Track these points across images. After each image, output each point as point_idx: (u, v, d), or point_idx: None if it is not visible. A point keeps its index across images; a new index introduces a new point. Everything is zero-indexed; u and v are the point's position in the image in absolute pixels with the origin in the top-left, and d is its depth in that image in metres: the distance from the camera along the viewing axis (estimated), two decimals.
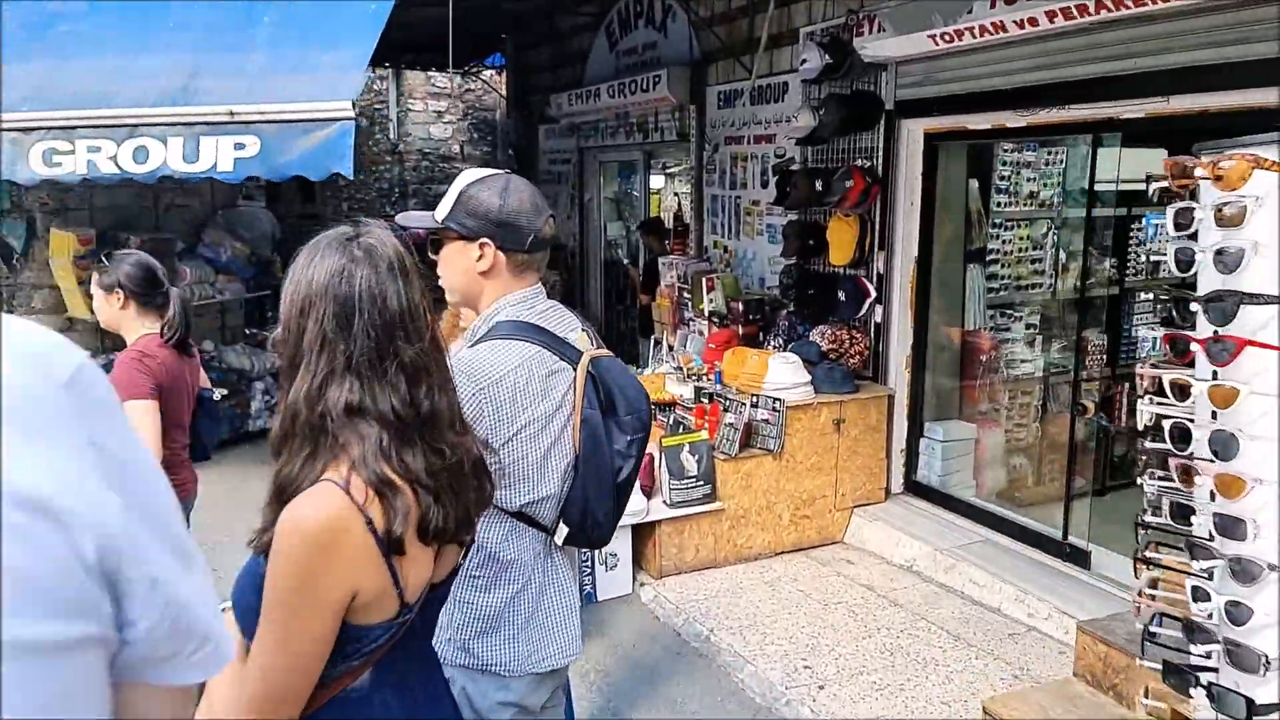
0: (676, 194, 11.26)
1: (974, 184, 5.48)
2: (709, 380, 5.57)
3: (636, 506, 4.76)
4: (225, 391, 8.07)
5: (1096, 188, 4.72)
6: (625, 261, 9.38)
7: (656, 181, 9.88)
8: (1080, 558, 4.52)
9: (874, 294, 5.43)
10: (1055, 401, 5.42)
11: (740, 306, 6.14)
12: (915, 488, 5.47)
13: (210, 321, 8.50)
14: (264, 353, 8.72)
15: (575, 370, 1.90)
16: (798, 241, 5.88)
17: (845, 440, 5.23)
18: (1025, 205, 5.69)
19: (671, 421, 5.37)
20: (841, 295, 5.49)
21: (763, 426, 5.07)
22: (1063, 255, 5.78)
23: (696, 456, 4.94)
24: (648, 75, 7.40)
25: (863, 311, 5.45)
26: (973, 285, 5.49)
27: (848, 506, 5.31)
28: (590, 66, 9.03)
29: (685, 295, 6.82)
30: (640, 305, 8.28)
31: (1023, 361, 5.64)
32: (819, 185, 5.59)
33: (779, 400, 5.01)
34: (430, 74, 14.83)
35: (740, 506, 5.01)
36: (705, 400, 5.37)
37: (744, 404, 5.05)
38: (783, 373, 5.14)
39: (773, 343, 5.95)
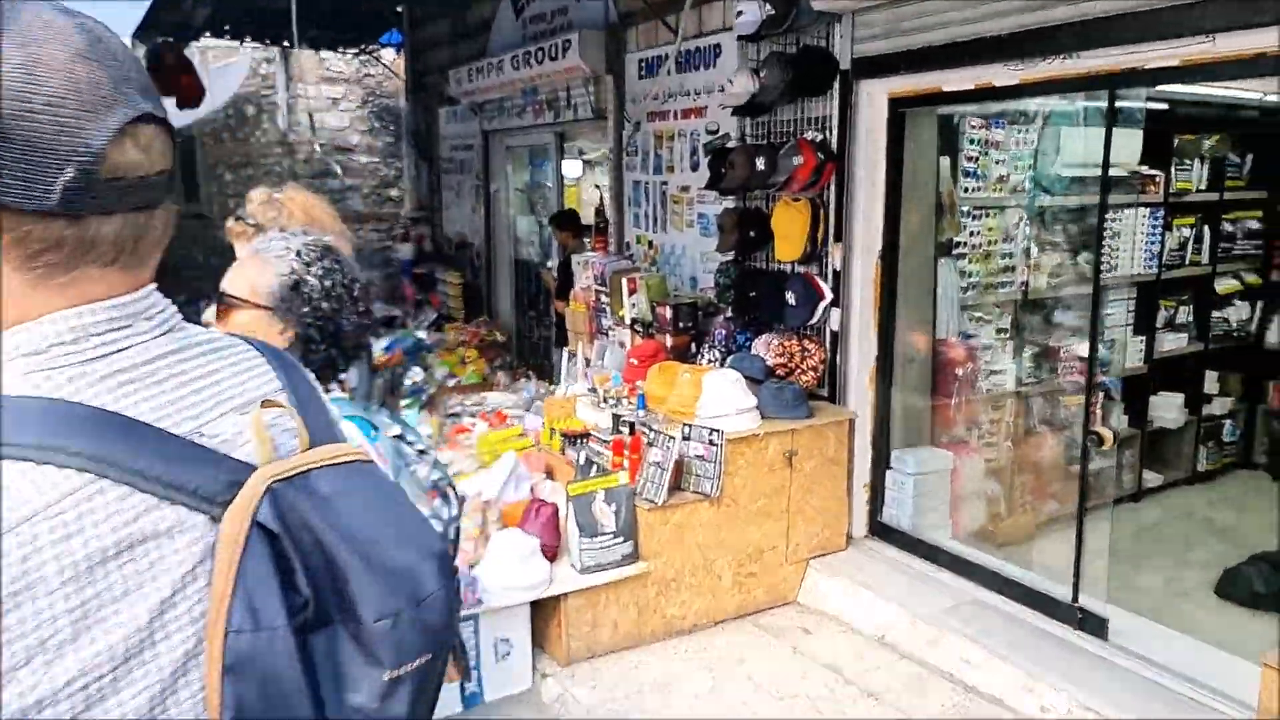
0: (598, 185, 10.18)
1: (944, 162, 4.53)
2: (629, 405, 4.51)
3: (536, 578, 3.66)
4: None
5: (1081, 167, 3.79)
6: (537, 261, 8.26)
7: (572, 169, 8.77)
8: (1096, 625, 3.59)
9: (829, 295, 4.44)
10: (1051, 422, 4.51)
11: (668, 312, 5.10)
12: (882, 531, 4.49)
13: None
14: None
15: (218, 522, 0.79)
16: (736, 233, 4.86)
17: (799, 477, 4.22)
18: (996, 190, 4.78)
19: (582, 460, 4.29)
20: (791, 298, 4.48)
21: (696, 464, 4.03)
22: (1041, 249, 4.90)
23: (614, 506, 3.87)
24: (557, 41, 6.31)
25: (816, 317, 4.46)
26: (945, 283, 4.54)
27: (802, 558, 4.30)
28: (494, 37, 7.89)
29: (603, 299, 5.75)
30: (556, 312, 7.17)
31: (1004, 373, 4.72)
32: (761, 164, 4.58)
33: (717, 431, 3.97)
34: (324, 56, 13.45)
35: (670, 567, 3.95)
36: (625, 431, 4.30)
37: (673, 436, 4.00)
38: (721, 395, 4.10)
39: (708, 356, 4.91)
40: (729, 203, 5.13)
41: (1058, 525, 4.20)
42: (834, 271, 4.44)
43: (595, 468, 4.16)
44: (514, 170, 8.51)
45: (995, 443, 4.65)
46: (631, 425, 4.31)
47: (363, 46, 11.79)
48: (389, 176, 14.62)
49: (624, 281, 5.42)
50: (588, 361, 5.93)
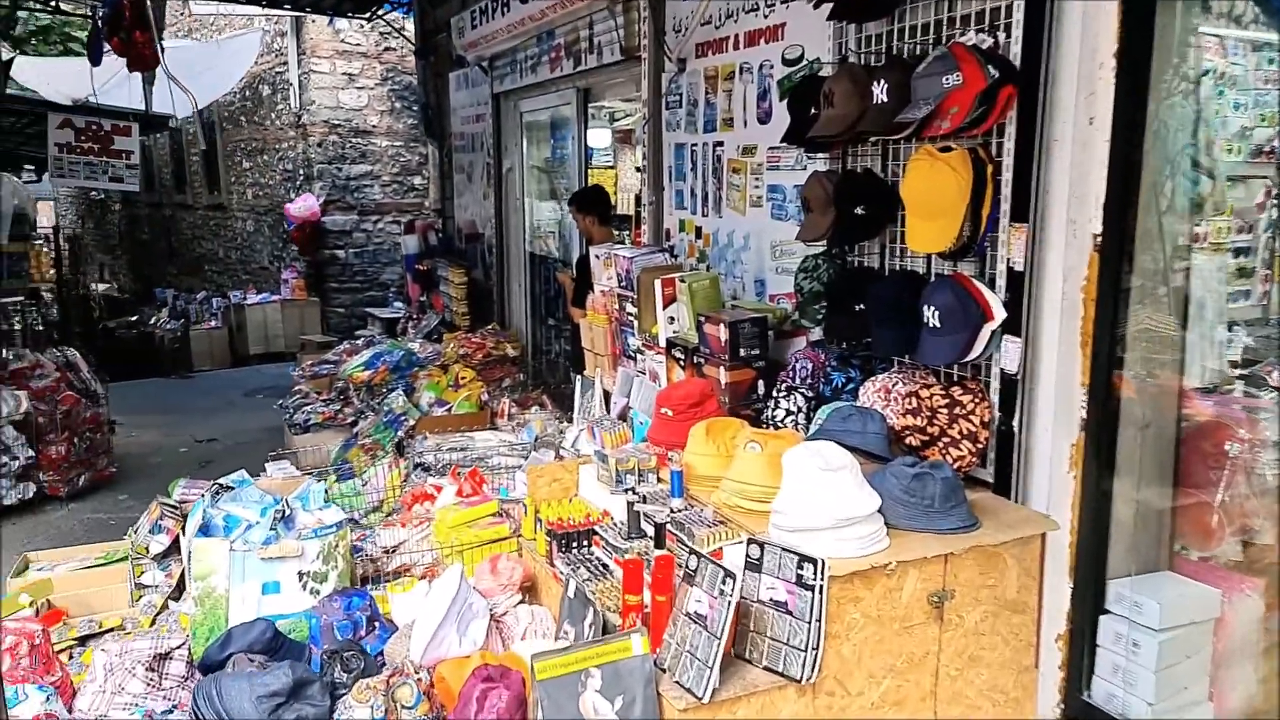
0: (639, 167, 8.42)
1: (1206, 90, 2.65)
2: (657, 488, 2.73)
3: None
4: None
5: None
6: (558, 257, 6.52)
7: (599, 138, 7.02)
8: None
9: (1000, 314, 2.59)
10: None
11: (722, 332, 3.29)
12: (1088, 718, 2.62)
13: None
14: (6, 390, 5.78)
15: None
16: (833, 211, 3.04)
17: (954, 638, 2.39)
18: (1232, 150, 2.89)
19: (572, 592, 2.50)
20: (931, 315, 2.65)
21: (773, 618, 2.22)
22: None
23: (620, 697, 2.10)
24: None
25: (977, 350, 2.62)
26: (1204, 295, 2.66)
27: None
28: None
29: (628, 309, 3.98)
30: (572, 324, 5.44)
31: None
32: (881, 92, 2.76)
33: (811, 562, 2.16)
34: (338, 27, 11.90)
35: None
36: (646, 539, 2.53)
37: (730, 574, 2.20)
38: (817, 492, 2.29)
39: (784, 406, 3.10)
40: (819, 164, 3.32)
41: None
42: (1009, 272, 2.60)
43: (592, 611, 2.37)
44: (530, 143, 6.79)
45: None
46: (659, 530, 2.52)
47: (373, 11, 10.17)
48: (411, 163, 13.04)
49: (657, 284, 3.64)
50: (607, 397, 4.16)
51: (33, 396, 5.96)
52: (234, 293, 13.41)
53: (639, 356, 3.94)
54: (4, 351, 6.47)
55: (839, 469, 2.31)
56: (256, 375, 10.81)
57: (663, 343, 3.67)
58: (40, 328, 9.11)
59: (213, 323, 12.55)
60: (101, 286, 18.02)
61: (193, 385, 10.72)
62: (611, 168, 8.22)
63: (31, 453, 5.88)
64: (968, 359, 2.65)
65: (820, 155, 3.29)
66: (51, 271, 7.23)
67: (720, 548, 2.45)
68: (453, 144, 8.10)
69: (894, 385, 2.83)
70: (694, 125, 4.32)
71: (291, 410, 6.18)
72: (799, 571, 2.18)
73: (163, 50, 8.94)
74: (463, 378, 5.76)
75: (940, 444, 2.66)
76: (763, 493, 2.50)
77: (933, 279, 2.84)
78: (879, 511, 2.35)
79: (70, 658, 3.01)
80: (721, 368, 3.29)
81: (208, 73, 12.98)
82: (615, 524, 2.81)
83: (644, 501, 2.71)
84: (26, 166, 14.56)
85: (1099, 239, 2.46)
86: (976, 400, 2.64)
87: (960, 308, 2.60)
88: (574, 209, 5.31)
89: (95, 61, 6.96)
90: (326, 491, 3.30)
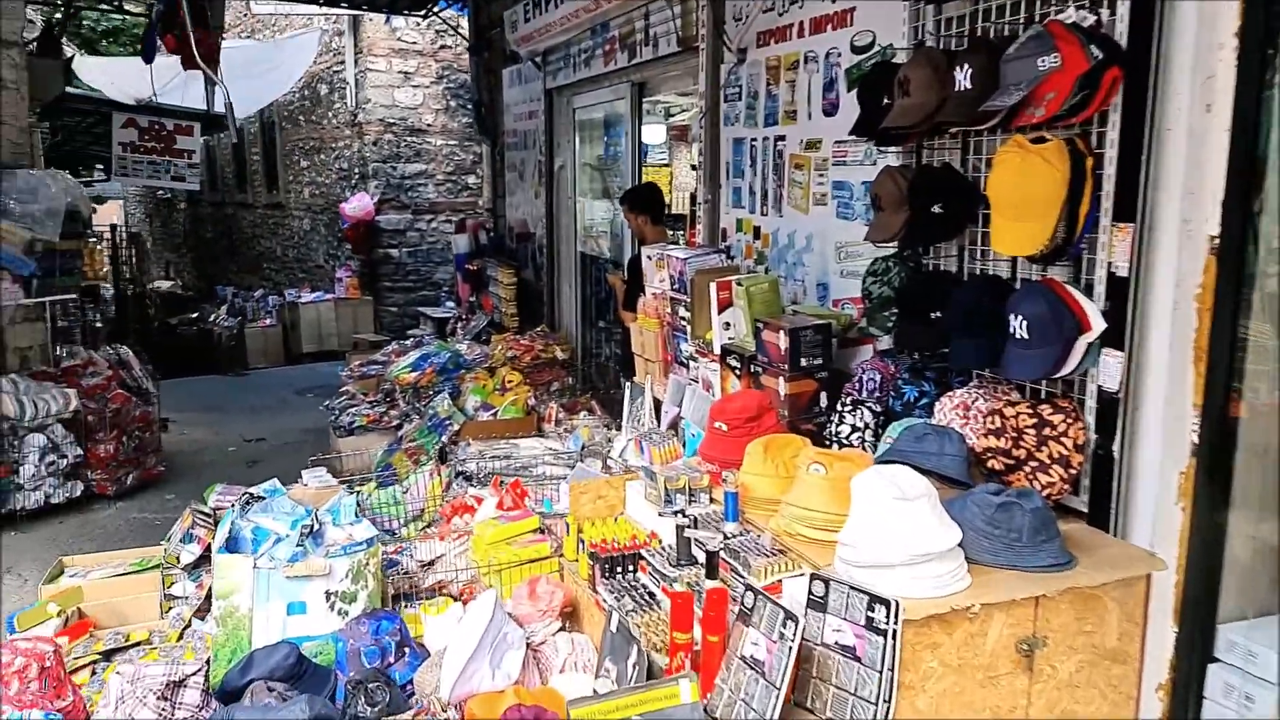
0: (695, 165, 8.18)
1: None
2: (710, 510, 2.50)
3: None
4: None
5: None
6: (609, 257, 6.32)
7: (654, 134, 6.79)
8: None
9: (1099, 324, 2.31)
10: None
11: (781, 339, 3.05)
12: None
13: None
14: (56, 389, 5.78)
15: None
16: (906, 209, 2.78)
17: (1046, 689, 2.12)
18: None
19: (614, 626, 2.28)
20: (1019, 325, 2.36)
21: (839, 664, 1.97)
22: None
23: None
24: None
25: (1072, 365, 2.33)
26: None
27: None
28: None
29: (681, 313, 3.75)
30: (623, 327, 5.23)
31: None
32: (964, 78, 2.49)
33: (882, 604, 1.91)
34: (394, 25, 11.87)
35: None
36: (697, 568, 2.31)
37: (791, 614, 1.96)
38: (890, 523, 2.04)
39: (850, 421, 2.85)
40: (891, 159, 3.05)
41: None
42: (1110, 278, 2.31)
43: (636, 650, 2.15)
44: (582, 140, 6.60)
45: None
46: (711, 558, 2.29)
47: (429, 8, 10.08)
48: (465, 162, 12.97)
49: (712, 287, 3.41)
50: (657, 406, 3.94)
51: (83, 394, 5.95)
52: (289, 291, 13.51)
53: (692, 364, 3.71)
54: (59, 348, 6.50)
55: (916, 498, 2.06)
56: (309, 374, 10.81)
57: (717, 350, 3.44)
58: (99, 324, 9.25)
59: (268, 321, 12.64)
60: (165, 284, 18.39)
61: (246, 383, 10.77)
62: (666, 166, 7.99)
63: (80, 451, 5.86)
64: (1059, 374, 2.36)
65: (893, 149, 3.02)
66: (106, 269, 7.24)
67: (779, 580, 2.22)
68: (505, 142, 7.96)
69: (974, 402, 2.55)
70: (754, 119, 4.08)
71: (337, 412, 6.08)
72: (869, 613, 1.93)
73: (219, 49, 8.98)
74: (509, 381, 5.59)
75: (1027, 469, 2.39)
76: (827, 520, 2.25)
77: (1019, 285, 2.56)
78: (957, 550, 2.08)
79: (93, 674, 2.88)
80: (781, 378, 3.05)
81: (269, 73, 13.09)
82: (664, 548, 2.59)
83: (695, 525, 2.48)
84: (97, 166, 14.88)
85: (1216, 241, 2.16)
86: (1069, 420, 2.36)
87: (1053, 317, 2.31)
88: (626, 208, 5.10)
89: (148, 59, 6.96)
90: (360, 505, 3.13)
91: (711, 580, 2.27)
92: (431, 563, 3.45)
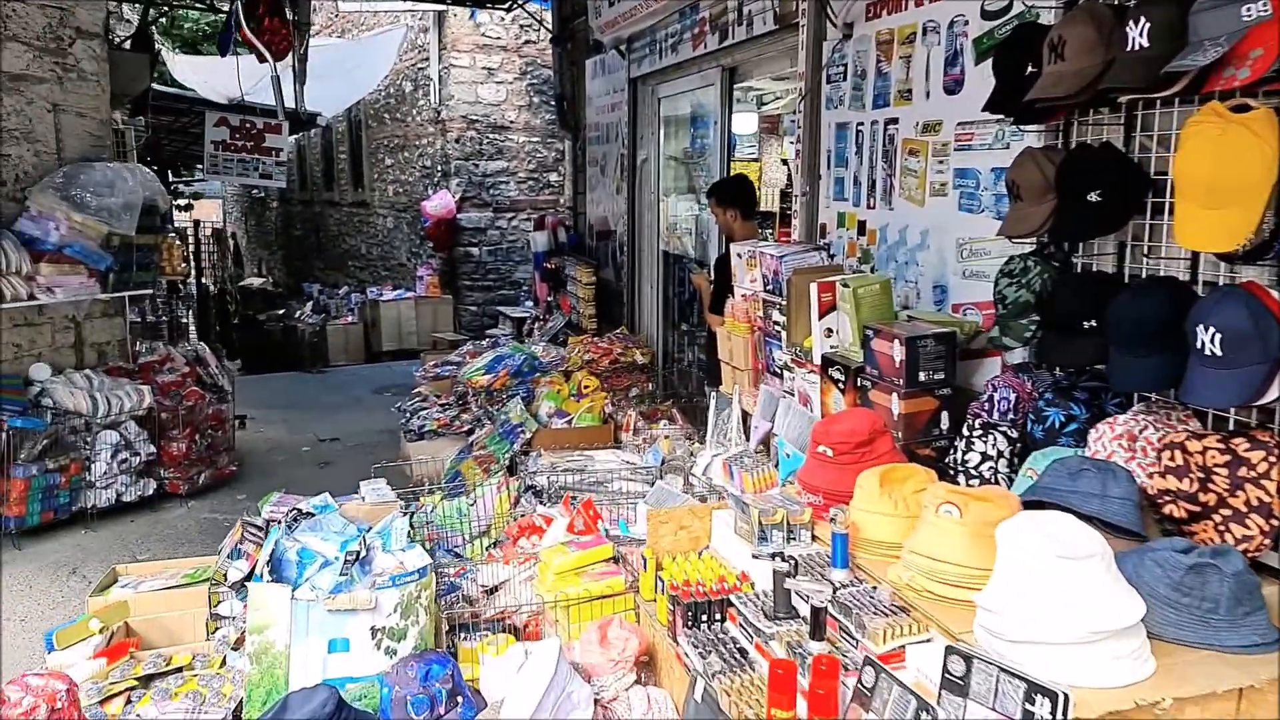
0: (785, 160, 7.73)
1: None
2: (813, 549, 2.10)
3: None
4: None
5: None
6: (694, 257, 5.94)
7: (745, 124, 6.38)
8: None
9: None
10: None
11: (896, 349, 2.62)
12: None
13: (24, 336, 5.53)
14: (130, 385, 5.69)
15: None
16: (1053, 198, 2.33)
17: None
18: None
19: (699, 695, 1.89)
20: (1210, 338, 1.90)
21: None
22: None
23: None
24: None
25: (1277, 391, 1.86)
26: None
27: None
28: None
29: (775, 318, 3.35)
30: (708, 331, 4.86)
31: None
32: (1137, 37, 2.03)
33: (1045, 694, 1.48)
34: (478, 19, 11.72)
35: None
36: (798, 624, 1.91)
37: (914, 695, 1.55)
38: (1056, 591, 1.61)
39: (979, 447, 2.41)
40: (1032, 139, 2.60)
41: None
42: None
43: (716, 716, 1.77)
44: (667, 132, 6.24)
45: None
46: (816, 615, 1.89)
47: (512, 1, 9.87)
48: (547, 159, 12.76)
49: (813, 289, 3.00)
50: (746, 419, 3.55)
51: (158, 391, 5.86)
52: (371, 289, 13.53)
53: (786, 374, 3.30)
54: (139, 344, 6.46)
55: (1086, 557, 1.62)
56: (387, 372, 10.74)
57: (817, 359, 3.03)
58: (185, 320, 9.31)
59: (349, 318, 12.66)
60: (257, 280, 18.76)
61: (326, 380, 10.75)
62: (755, 160, 7.57)
63: (153, 449, 5.77)
64: (1261, 401, 1.89)
65: (1033, 128, 2.57)
66: (184, 265, 7.19)
67: (902, 646, 1.81)
68: (586, 136, 7.66)
69: (1142, 431, 2.09)
70: (860, 101, 3.64)
71: (408, 414, 5.85)
72: (1027, 705, 1.51)
73: (305, 45, 8.92)
74: (586, 387, 5.27)
75: (1216, 518, 1.92)
76: (963, 576, 1.83)
77: (1201, 288, 2.09)
78: (1139, 626, 1.64)
79: (128, 701, 2.64)
80: (895, 394, 2.62)
81: (354, 71, 13.13)
82: (757, 595, 2.20)
83: (795, 571, 2.09)
84: (198, 165, 15.21)
85: None
86: (1272, 459, 1.88)
87: (1256, 330, 1.84)
88: (714, 202, 4.71)
89: (223, 51, 6.89)
90: (415, 523, 2.83)
91: (817, 642, 1.87)
92: (495, 589, 3.14)
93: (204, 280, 8.67)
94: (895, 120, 3.43)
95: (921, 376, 2.61)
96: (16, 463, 5.07)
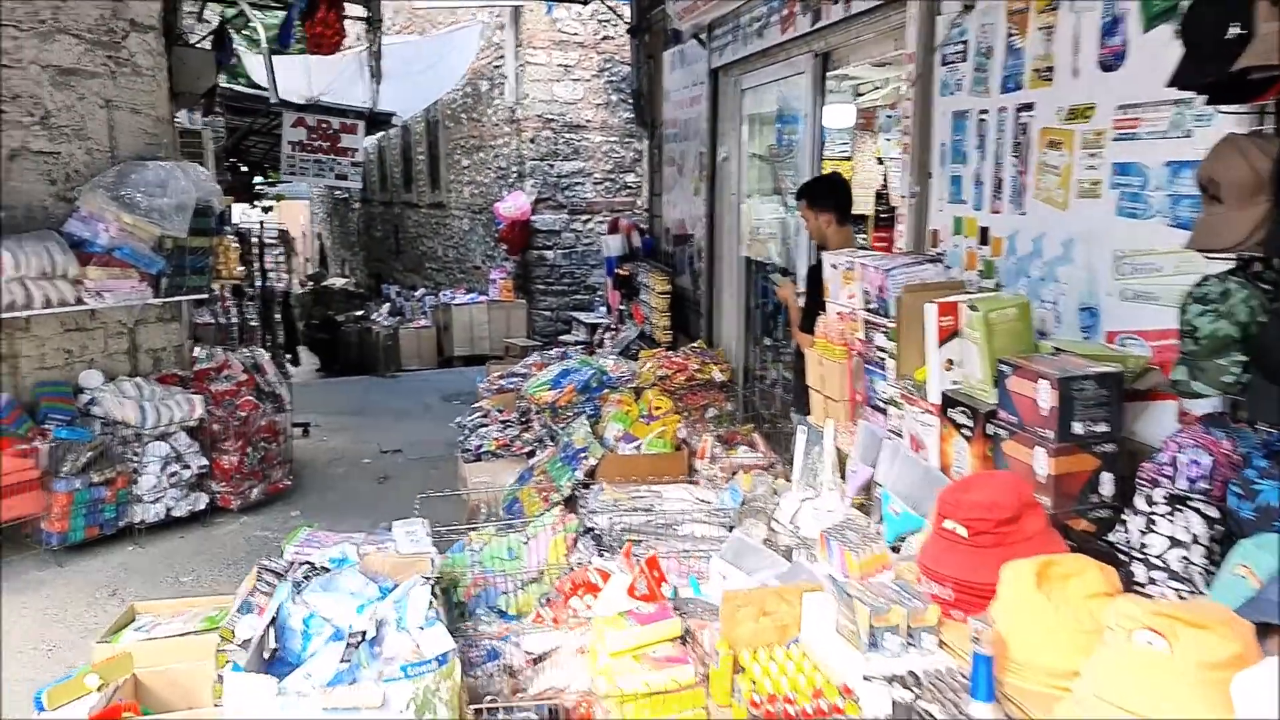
0: (881, 158, 7.10)
1: None
2: (937, 658, 1.56)
3: None
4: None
5: None
6: (779, 265, 5.39)
7: (840, 116, 5.79)
8: None
9: None
10: None
11: (1043, 393, 2.04)
12: None
13: (76, 342, 5.31)
14: (182, 394, 5.44)
15: None
16: (1265, 201, 1.74)
17: None
18: None
19: None
20: None
21: None
22: None
23: None
24: None
25: None
26: None
27: None
28: None
29: (878, 343, 2.80)
30: (796, 350, 4.31)
31: None
32: None
33: None
34: (555, 15, 11.35)
35: None
36: None
37: None
38: None
39: (1163, 527, 1.82)
40: (1228, 124, 2.00)
41: None
42: None
43: None
44: (750, 126, 5.70)
45: None
46: None
47: None
48: (625, 160, 12.32)
49: (930, 310, 2.45)
50: (841, 461, 3.01)
51: (211, 400, 5.60)
52: (444, 292, 13.32)
53: (893, 410, 2.75)
54: (199, 348, 6.24)
55: None
56: (457, 378, 10.44)
57: (934, 396, 2.47)
58: (254, 323, 9.17)
59: (423, 321, 12.46)
60: (340, 281, 18.86)
61: (395, 385, 10.53)
62: (847, 159, 6.98)
63: (205, 461, 5.51)
64: None
65: (1234, 109, 1.97)
66: (240, 268, 6.97)
67: None
68: (663, 133, 7.17)
69: None
70: (984, 84, 3.06)
71: (467, 432, 5.45)
72: None
73: (377, 42, 8.67)
74: (657, 408, 4.77)
75: None
76: None
77: None
78: None
79: None
80: (1041, 449, 2.05)
81: (430, 70, 12.93)
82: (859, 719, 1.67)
83: (920, 692, 1.55)
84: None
85: None
86: None
87: None
88: (804, 204, 4.16)
89: (283, 44, 6.64)
90: (436, 596, 2.37)
91: None
92: (541, 658, 2.67)
93: (268, 282, 8.47)
94: (1030, 106, 2.84)
95: (1077, 427, 2.04)
96: (59, 476, 4.84)
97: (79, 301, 5.00)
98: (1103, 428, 2.05)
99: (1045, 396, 2.05)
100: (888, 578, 1.97)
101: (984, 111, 3.07)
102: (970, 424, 2.31)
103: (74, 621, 4.35)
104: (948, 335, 2.45)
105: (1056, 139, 2.72)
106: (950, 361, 2.45)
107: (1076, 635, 1.52)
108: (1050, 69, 2.75)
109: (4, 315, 4.76)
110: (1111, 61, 2.50)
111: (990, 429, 2.25)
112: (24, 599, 4.57)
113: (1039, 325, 2.75)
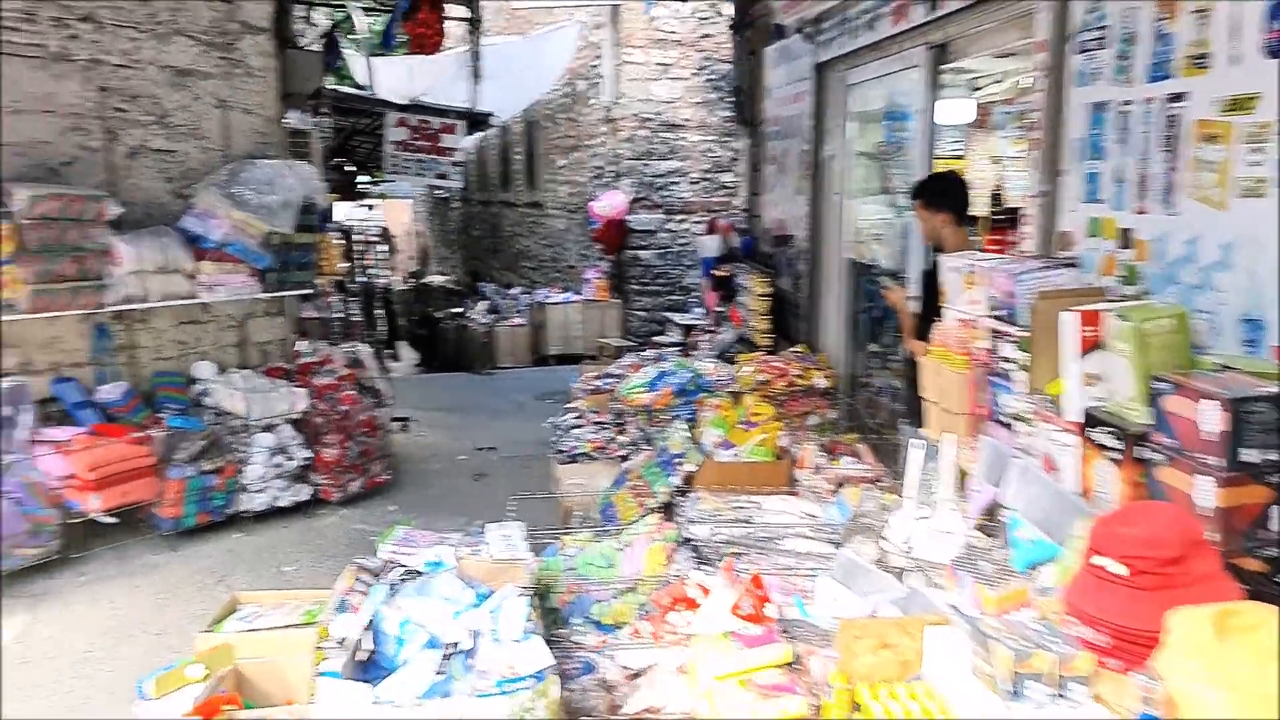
0: (997, 157, 6.77)
1: None
2: (1089, 712, 1.38)
3: None
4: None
5: None
6: (887, 267, 5.16)
7: (957, 112, 5.52)
8: None
9: None
10: None
11: (1211, 414, 1.83)
12: None
13: (189, 334, 5.47)
14: (286, 386, 5.55)
15: None
16: None
17: None
18: None
19: None
20: None
21: None
22: None
23: None
24: None
25: None
26: None
27: None
28: None
29: (1006, 354, 2.59)
30: (908, 359, 4.11)
31: None
32: None
33: None
34: (654, 13, 11.25)
35: None
36: None
37: None
38: None
39: None
40: None
41: None
42: None
43: None
44: (857, 123, 5.48)
45: None
46: None
47: None
48: (722, 159, 12.15)
49: (1069, 319, 2.24)
50: (962, 479, 2.82)
51: (314, 394, 5.70)
52: (539, 290, 13.41)
53: (1022, 427, 2.54)
54: (297, 343, 6.38)
55: None
56: (551, 377, 10.46)
57: (1074, 415, 2.26)
58: (358, 318, 9.38)
59: (518, 319, 12.55)
60: (439, 278, 19.25)
61: (491, 383, 10.62)
62: (960, 157, 6.67)
63: (309, 453, 5.61)
64: None
65: None
66: (343, 264, 7.10)
67: None
68: (764, 131, 6.99)
69: None
70: (1127, 73, 2.81)
71: (561, 432, 5.40)
72: None
73: (477, 42, 8.75)
74: (757, 415, 4.62)
75: None
76: None
77: None
78: None
79: None
80: (1207, 479, 1.83)
81: (528, 70, 13.02)
82: None
83: None
84: None
85: None
86: None
87: None
88: (919, 203, 3.95)
89: (387, 45, 6.73)
90: (534, 605, 2.28)
91: None
92: (638, 674, 2.57)
93: (369, 279, 8.63)
94: (1181, 96, 2.59)
95: (1248, 455, 1.81)
96: (173, 463, 4.99)
97: (193, 295, 5.15)
98: (1275, 455, 1.82)
99: (1211, 419, 1.83)
100: (1028, 616, 1.79)
101: (1126, 103, 2.82)
102: (1118, 446, 2.10)
103: (183, 606, 4.46)
104: (1090, 347, 2.24)
105: (1214, 132, 2.46)
106: (1094, 377, 2.24)
107: (1268, 700, 1.33)
108: (1205, 55, 2.49)
109: (124, 308, 4.95)
110: (1278, 47, 2.24)
111: (1145, 453, 2.03)
112: (137, 581, 4.72)
113: (1212, 340, 2.50)
